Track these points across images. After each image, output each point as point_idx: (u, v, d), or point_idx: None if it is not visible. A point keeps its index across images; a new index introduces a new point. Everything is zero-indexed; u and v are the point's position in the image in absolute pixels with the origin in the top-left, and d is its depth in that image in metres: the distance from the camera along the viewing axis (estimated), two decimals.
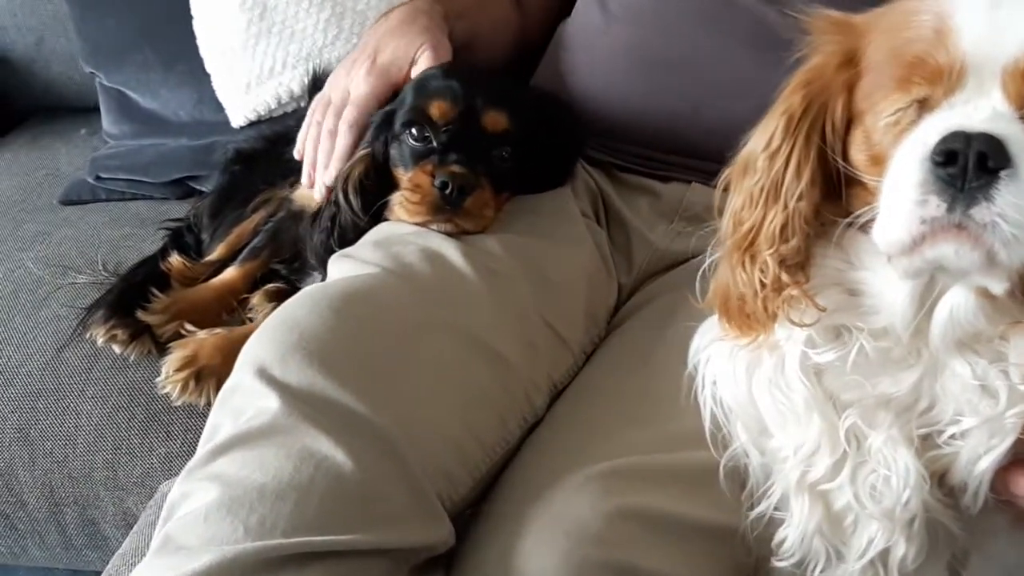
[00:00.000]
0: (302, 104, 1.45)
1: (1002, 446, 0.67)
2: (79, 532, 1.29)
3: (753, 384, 0.75)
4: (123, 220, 1.58)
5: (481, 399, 0.96)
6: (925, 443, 0.70)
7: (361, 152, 1.17)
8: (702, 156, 1.19)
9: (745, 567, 0.87)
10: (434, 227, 1.09)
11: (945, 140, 0.60)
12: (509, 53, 1.43)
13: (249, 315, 1.26)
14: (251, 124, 1.58)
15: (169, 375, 1.16)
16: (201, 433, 0.91)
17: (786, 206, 0.70)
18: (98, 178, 1.67)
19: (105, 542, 1.29)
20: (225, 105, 1.60)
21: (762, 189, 0.71)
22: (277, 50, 1.53)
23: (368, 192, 1.15)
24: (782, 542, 0.78)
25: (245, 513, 0.79)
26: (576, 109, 1.27)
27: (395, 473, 0.85)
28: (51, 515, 1.28)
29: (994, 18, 0.63)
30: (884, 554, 0.73)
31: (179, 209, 1.53)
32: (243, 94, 1.57)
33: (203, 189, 1.57)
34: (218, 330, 1.20)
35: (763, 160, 0.71)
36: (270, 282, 1.29)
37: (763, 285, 0.71)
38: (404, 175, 1.13)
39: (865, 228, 0.67)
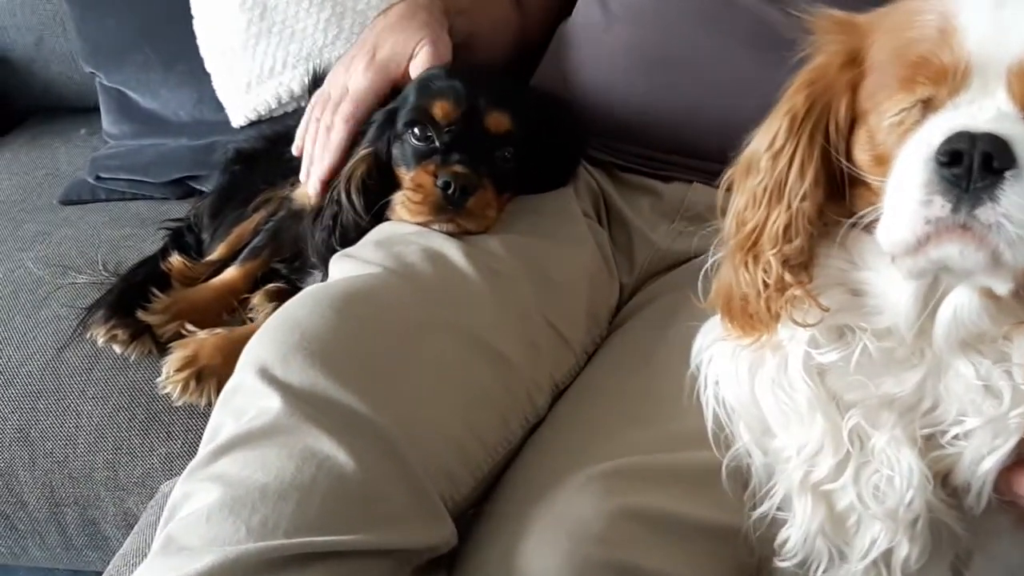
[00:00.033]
0: (302, 104, 1.44)
1: (1006, 446, 0.67)
2: (80, 532, 1.29)
3: (756, 384, 0.75)
4: (123, 220, 1.57)
5: (483, 399, 0.96)
6: (928, 443, 0.70)
7: (363, 151, 1.16)
8: (703, 156, 1.19)
9: (747, 567, 0.86)
10: (436, 227, 1.08)
11: (950, 140, 0.60)
12: (509, 53, 1.43)
13: (250, 315, 1.26)
14: (251, 124, 1.58)
15: (170, 375, 1.16)
16: (202, 433, 0.91)
17: (789, 206, 0.70)
18: (98, 178, 1.67)
19: (106, 542, 1.28)
20: (225, 105, 1.60)
21: (765, 189, 0.71)
22: (277, 50, 1.53)
23: (370, 191, 1.14)
24: (785, 542, 0.77)
25: (247, 513, 0.79)
26: (577, 109, 1.26)
27: (397, 473, 0.85)
28: (52, 515, 1.27)
29: (999, 18, 0.63)
30: (887, 555, 0.73)
31: (179, 209, 1.53)
32: (243, 94, 1.57)
33: (203, 189, 1.57)
34: (219, 330, 1.20)
35: (766, 160, 0.71)
36: (271, 282, 1.29)
37: (766, 285, 0.71)
38: (406, 175, 1.13)
39: (869, 228, 0.67)
